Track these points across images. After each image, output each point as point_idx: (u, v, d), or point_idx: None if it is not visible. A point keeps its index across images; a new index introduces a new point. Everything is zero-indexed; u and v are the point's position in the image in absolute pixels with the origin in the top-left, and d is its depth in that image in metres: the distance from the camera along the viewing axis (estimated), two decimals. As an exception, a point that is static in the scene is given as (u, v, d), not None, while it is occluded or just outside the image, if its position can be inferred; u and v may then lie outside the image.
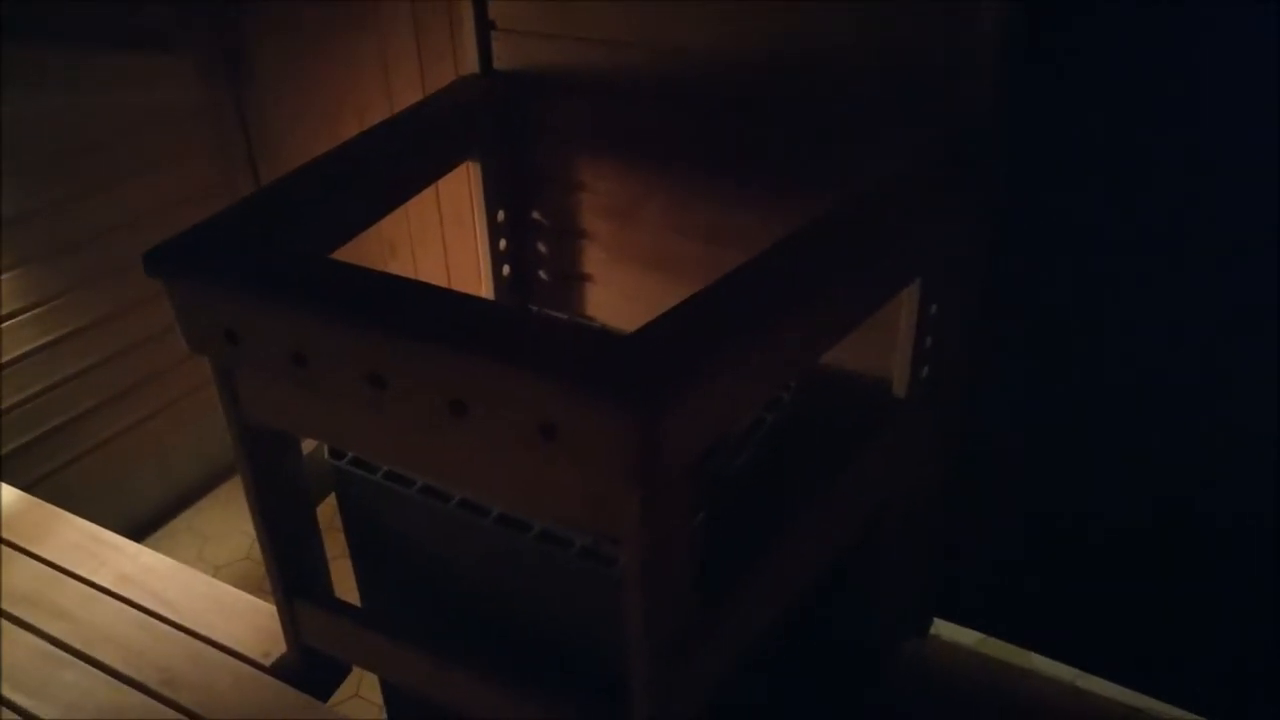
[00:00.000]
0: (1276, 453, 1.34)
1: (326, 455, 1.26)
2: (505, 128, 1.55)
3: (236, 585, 1.99)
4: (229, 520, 2.16)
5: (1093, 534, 1.55)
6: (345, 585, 1.39)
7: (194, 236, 1.08)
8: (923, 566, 1.68)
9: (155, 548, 2.06)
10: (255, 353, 1.02)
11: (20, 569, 1.53)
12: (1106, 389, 1.44)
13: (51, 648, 1.39)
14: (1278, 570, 1.41)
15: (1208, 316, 1.33)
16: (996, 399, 1.52)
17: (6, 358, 1.80)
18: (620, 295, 1.64)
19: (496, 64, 1.54)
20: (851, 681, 1.67)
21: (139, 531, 2.10)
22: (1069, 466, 1.52)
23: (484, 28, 1.51)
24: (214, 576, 2.00)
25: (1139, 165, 1.30)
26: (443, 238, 1.92)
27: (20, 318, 1.80)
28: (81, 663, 1.37)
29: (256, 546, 2.07)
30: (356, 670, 1.48)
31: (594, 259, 1.63)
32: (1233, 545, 1.43)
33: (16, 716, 1.30)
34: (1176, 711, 1.61)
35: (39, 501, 1.66)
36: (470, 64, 1.56)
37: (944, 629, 1.78)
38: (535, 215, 1.64)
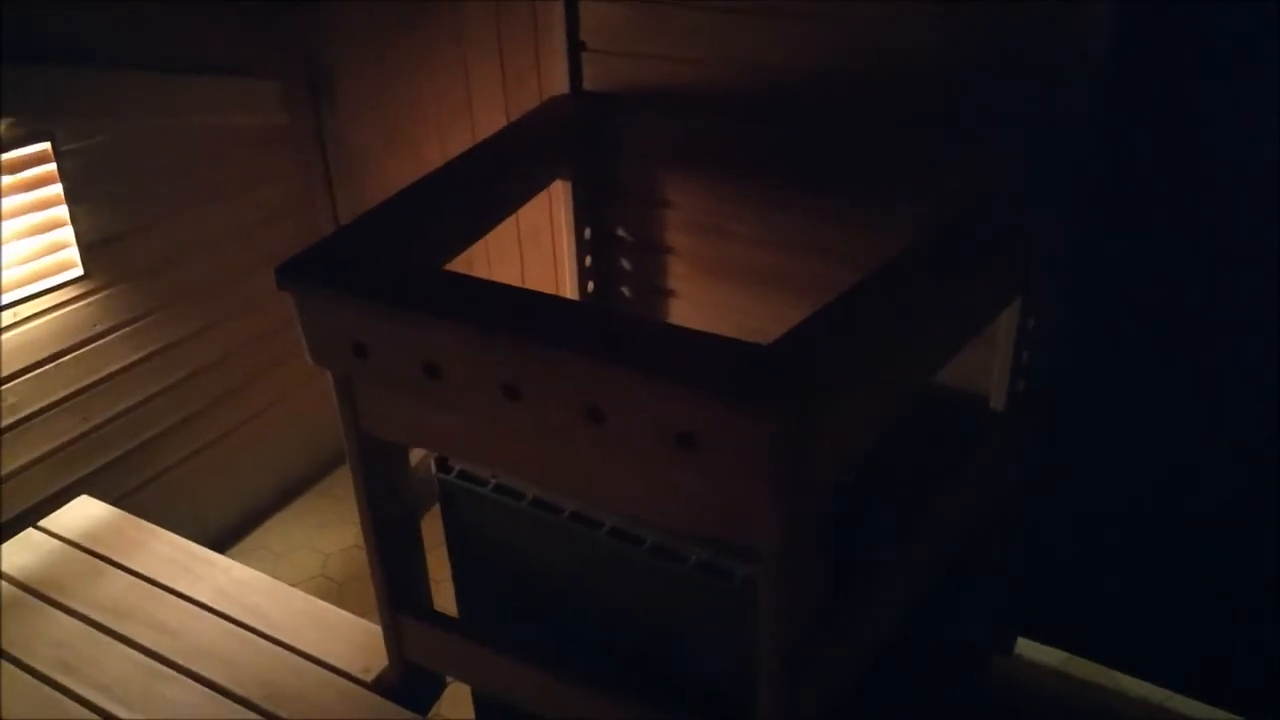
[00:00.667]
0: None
1: (433, 469, 1.27)
2: (593, 146, 1.57)
3: (311, 602, 2.01)
4: (300, 537, 2.17)
5: (1179, 550, 1.53)
6: (441, 602, 1.40)
7: (319, 251, 1.09)
8: (1007, 583, 1.66)
9: (231, 565, 2.09)
10: (384, 365, 1.03)
11: (114, 583, 1.54)
12: (1201, 403, 1.43)
13: (152, 662, 1.40)
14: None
15: None
16: (1089, 413, 1.52)
17: (97, 376, 1.82)
18: (704, 309, 1.64)
19: (586, 84, 1.55)
20: (942, 696, 1.65)
21: (212, 548, 2.11)
22: (1159, 482, 1.51)
23: (575, 49, 1.53)
24: (290, 593, 2.03)
25: (1236, 180, 1.29)
26: (520, 254, 1.94)
27: (110, 337, 1.83)
28: (184, 677, 1.38)
29: (329, 564, 2.10)
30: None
31: (677, 274, 1.64)
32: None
33: (120, 731, 1.31)
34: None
35: (129, 516, 1.68)
36: (556, 85, 1.58)
37: (1027, 648, 1.77)
38: (620, 232, 1.66)
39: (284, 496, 2.25)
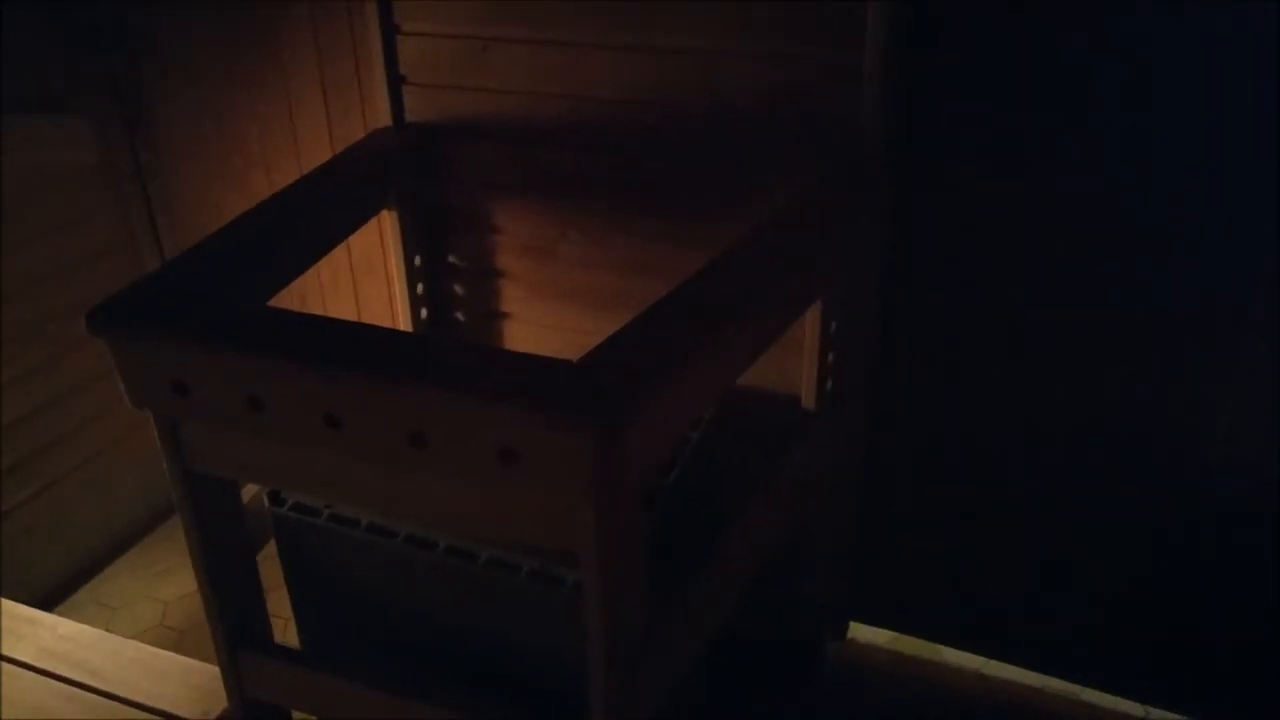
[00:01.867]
0: (1152, 456, 1.51)
1: (266, 503, 1.28)
2: (420, 176, 1.61)
3: (153, 654, 1.94)
4: (136, 588, 2.09)
5: (989, 530, 1.68)
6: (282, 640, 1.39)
7: (131, 294, 1.09)
8: (839, 569, 1.78)
9: (60, 623, 1.99)
10: (207, 402, 1.04)
11: (-72, 652, 1.46)
12: (1001, 396, 1.58)
13: (-27, 729, 1.34)
14: (1161, 550, 1.57)
15: (1098, 332, 1.46)
16: (897, 409, 1.65)
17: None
18: (539, 329, 1.70)
19: (409, 116, 1.59)
20: (780, 684, 1.75)
21: (41, 607, 2.00)
22: (968, 469, 1.65)
23: (395, 83, 1.57)
24: (128, 647, 1.95)
25: (1023, 179, 1.42)
26: (354, 284, 1.94)
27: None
28: (11, 742, 1.32)
29: (168, 613, 2.03)
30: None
31: (512, 296, 1.69)
32: (1122, 539, 1.59)
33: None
34: (1069, 686, 1.76)
35: (-59, 581, 1.59)
36: (381, 117, 1.61)
37: (859, 631, 1.89)
38: (451, 258, 1.69)
39: (118, 546, 2.16)
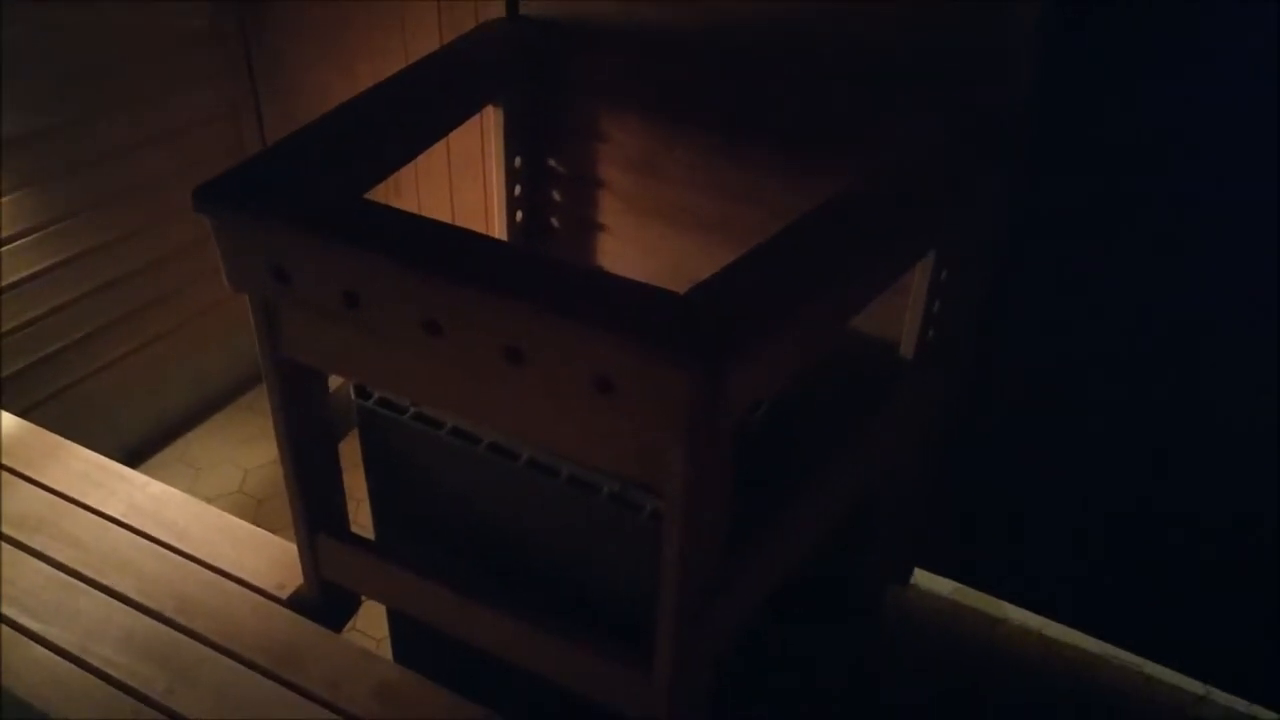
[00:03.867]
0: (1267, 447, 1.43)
1: (352, 395, 1.28)
2: (528, 74, 1.55)
3: (229, 517, 2.01)
4: (221, 451, 2.16)
5: (1067, 493, 1.63)
6: (359, 519, 1.42)
7: (239, 174, 1.07)
8: (912, 519, 1.75)
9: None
10: (305, 292, 1.03)
11: (25, 496, 1.53)
12: (1102, 368, 1.51)
13: (65, 575, 1.40)
14: (1239, 541, 1.50)
15: (1211, 312, 1.39)
16: (995, 365, 1.59)
17: (5, 281, 1.77)
18: (635, 248, 1.66)
19: (524, 9, 1.53)
20: (844, 624, 1.75)
21: (129, 461, 2.09)
22: (1057, 433, 1.59)
23: (513, -29, 1.50)
24: (207, 509, 2.02)
25: (1159, 160, 1.34)
26: (449, 179, 1.92)
27: (20, 242, 1.77)
28: (96, 590, 1.38)
29: (249, 480, 2.10)
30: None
31: (610, 210, 1.65)
32: (1210, 509, 1.52)
33: (30, 641, 1.31)
34: (1126, 656, 1.72)
35: (40, 430, 1.65)
36: (493, 9, 1.55)
37: (923, 578, 1.87)
38: (552, 163, 1.65)
39: (205, 410, 2.23)
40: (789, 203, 1.46)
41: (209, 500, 2.05)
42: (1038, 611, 1.79)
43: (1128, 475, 1.56)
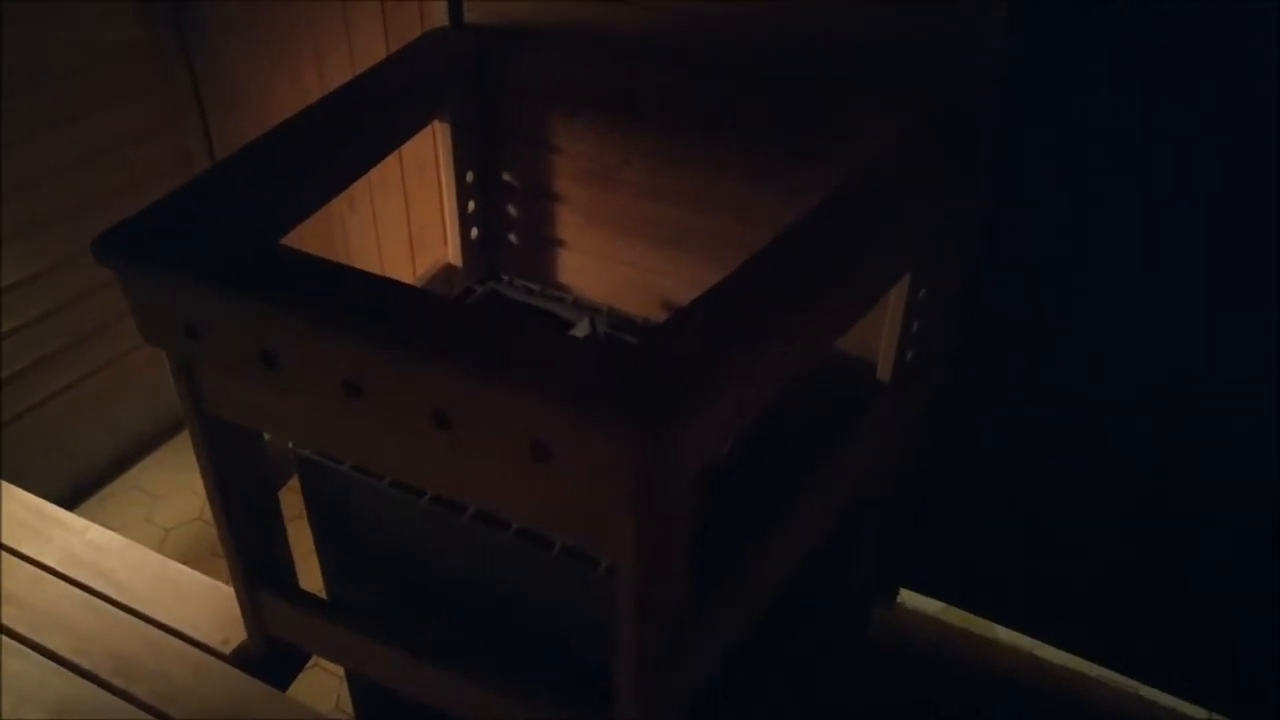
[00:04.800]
0: (1250, 453, 1.35)
1: (290, 443, 1.20)
2: (476, 85, 1.46)
3: (188, 548, 1.94)
4: (178, 477, 2.08)
5: (1054, 512, 1.55)
6: (309, 574, 1.34)
7: (148, 219, 0.98)
8: (894, 540, 1.68)
9: (102, 507, 1.99)
10: (219, 350, 0.95)
11: (-42, 547, 1.45)
12: (1084, 380, 1.43)
13: (-4, 634, 1.33)
14: (1224, 555, 1.43)
15: (1193, 318, 1.31)
16: (975, 383, 1.51)
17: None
18: (594, 261, 1.57)
19: (468, 16, 1.43)
20: (827, 647, 1.68)
21: (84, 490, 2.01)
22: (1039, 452, 1.52)
23: (455, -24, 1.40)
24: (165, 538, 1.95)
25: (1133, 162, 1.27)
26: (404, 192, 1.82)
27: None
28: (29, 650, 1.30)
29: (206, 508, 2.01)
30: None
31: (568, 223, 1.56)
32: (1194, 533, 1.45)
33: (-40, 706, 1.24)
34: (1122, 679, 1.65)
35: (-24, 472, 1.57)
36: (438, 12, 1.45)
37: (909, 598, 1.80)
38: (506, 177, 1.56)
39: (161, 434, 2.14)
40: (753, 210, 1.37)
41: (167, 530, 1.97)
42: (1028, 633, 1.72)
43: (1120, 492, 1.49)
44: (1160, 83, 1.20)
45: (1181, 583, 1.50)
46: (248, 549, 1.20)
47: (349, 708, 1.59)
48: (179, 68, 1.87)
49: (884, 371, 1.36)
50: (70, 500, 1.93)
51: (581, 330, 1.38)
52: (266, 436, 1.18)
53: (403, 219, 1.85)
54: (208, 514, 2.00)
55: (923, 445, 1.56)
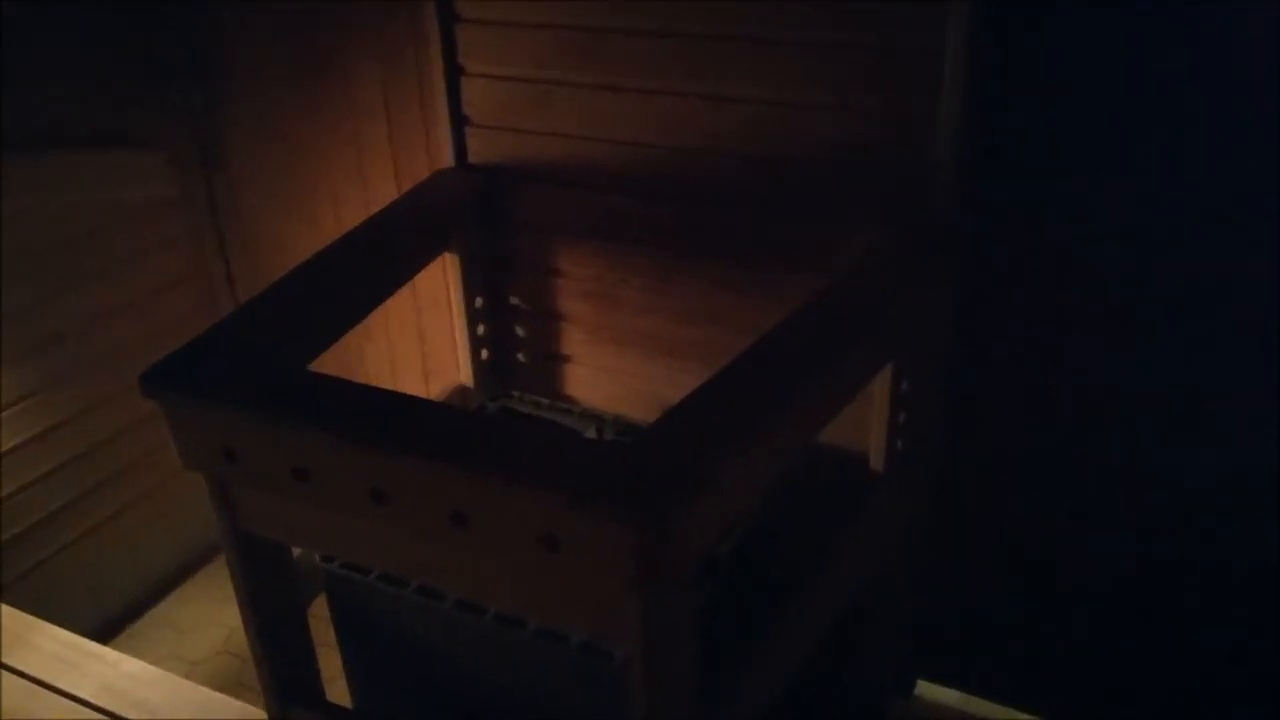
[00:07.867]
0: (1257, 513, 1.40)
1: (317, 559, 1.27)
2: (482, 219, 1.58)
3: (214, 680, 1.97)
4: (203, 612, 2.13)
5: (1067, 593, 1.59)
6: (334, 687, 1.39)
7: (187, 354, 1.08)
8: (906, 629, 1.70)
9: (129, 643, 2.03)
10: (255, 469, 1.03)
11: (-3, 682, 1.50)
12: (1077, 456, 1.49)
13: (35, 767, 1.37)
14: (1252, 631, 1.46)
15: (1176, 396, 1.38)
16: (972, 466, 1.57)
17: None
18: (599, 373, 1.66)
19: (471, 158, 1.57)
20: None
21: (112, 627, 2.05)
22: (1045, 530, 1.56)
23: (459, 123, 1.55)
24: (191, 672, 1.98)
25: (1093, 251, 1.36)
26: (418, 323, 1.94)
27: (-2, 416, 1.78)
28: (69, 782, 1.34)
29: (233, 639, 2.05)
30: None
31: (573, 340, 1.66)
32: (1210, 605, 1.48)
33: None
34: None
35: (14, 611, 1.63)
36: (444, 155, 1.59)
37: (927, 689, 1.81)
38: (513, 300, 1.67)
39: (186, 569, 2.20)
40: (742, 320, 1.47)
41: (193, 664, 2.01)
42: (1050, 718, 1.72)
43: (1144, 577, 1.51)
44: (1131, 169, 1.30)
45: (1213, 674, 1.52)
46: (279, 667, 1.25)
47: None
48: (208, 224, 2.02)
49: (876, 462, 1.43)
50: (100, 636, 1.98)
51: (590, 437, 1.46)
52: (296, 553, 1.25)
53: (416, 346, 1.96)
54: (232, 647, 2.04)
55: (926, 531, 1.61)
